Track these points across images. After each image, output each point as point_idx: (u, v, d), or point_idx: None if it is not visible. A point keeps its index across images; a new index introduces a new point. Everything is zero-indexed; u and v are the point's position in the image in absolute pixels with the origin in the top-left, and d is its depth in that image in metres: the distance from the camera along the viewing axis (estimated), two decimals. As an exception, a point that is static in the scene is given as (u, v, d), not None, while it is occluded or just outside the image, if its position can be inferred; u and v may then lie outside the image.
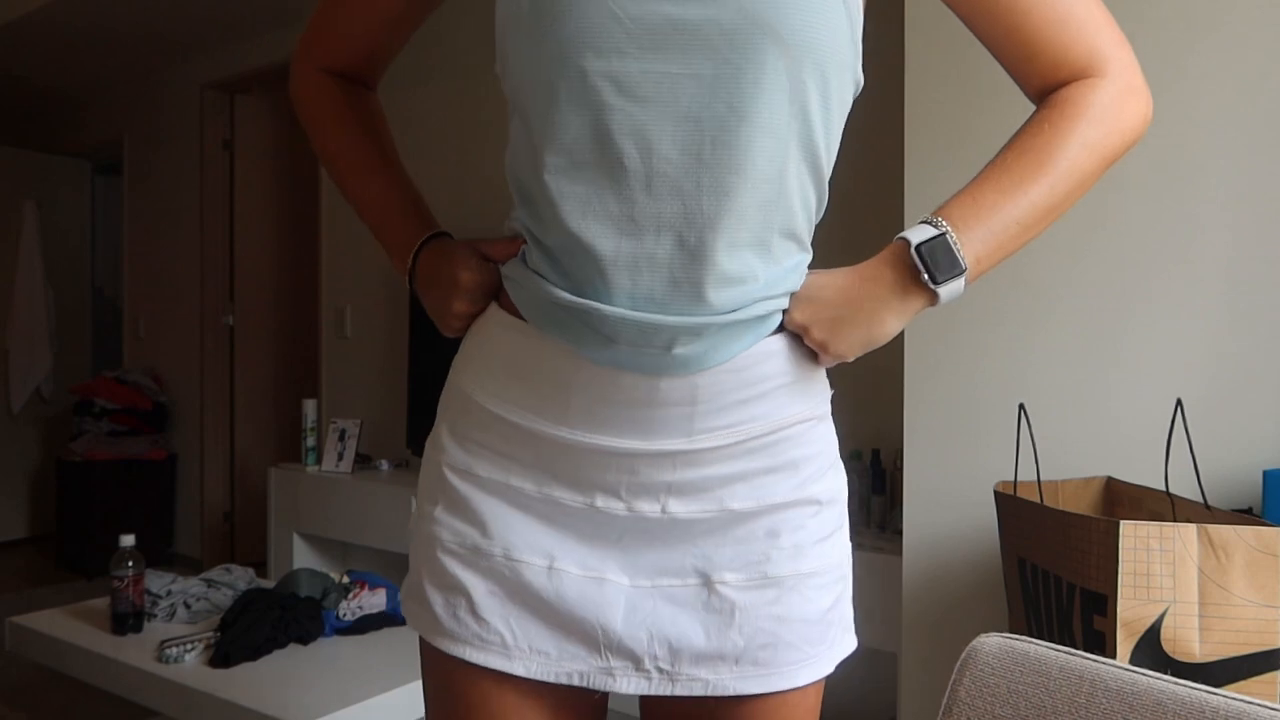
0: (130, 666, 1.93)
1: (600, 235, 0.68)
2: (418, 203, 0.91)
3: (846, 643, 0.83)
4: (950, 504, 1.76)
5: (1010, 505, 1.43)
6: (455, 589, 0.76)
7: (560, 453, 0.75)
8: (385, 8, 0.91)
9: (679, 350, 0.70)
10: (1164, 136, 1.56)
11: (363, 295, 3.78)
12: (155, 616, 2.18)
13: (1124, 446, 1.59)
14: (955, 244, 0.75)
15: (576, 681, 0.76)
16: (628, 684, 0.76)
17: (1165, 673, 0.70)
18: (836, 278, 0.76)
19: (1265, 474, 1.40)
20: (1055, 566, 1.26)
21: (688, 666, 0.75)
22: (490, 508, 0.76)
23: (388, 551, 3.07)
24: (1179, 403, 1.29)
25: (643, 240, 0.68)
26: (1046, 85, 0.79)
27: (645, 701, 0.83)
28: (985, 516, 1.70)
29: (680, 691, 0.75)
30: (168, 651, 1.92)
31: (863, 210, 2.43)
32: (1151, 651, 1.09)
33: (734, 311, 0.70)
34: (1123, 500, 1.47)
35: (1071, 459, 1.61)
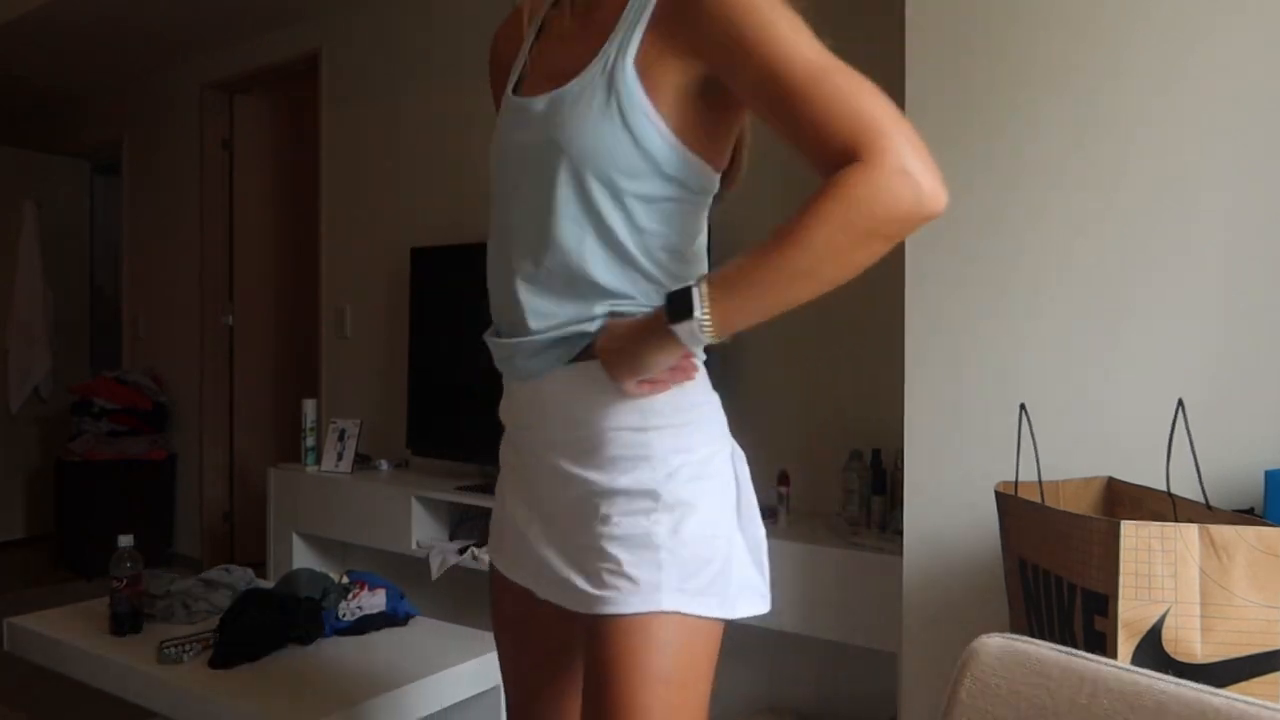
0: (129, 667, 1.93)
1: (491, 287, 1.10)
2: None
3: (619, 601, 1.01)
4: (951, 504, 1.76)
5: (1011, 505, 1.43)
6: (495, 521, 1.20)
7: (510, 426, 1.15)
8: None
9: (518, 362, 1.06)
10: (1163, 136, 1.55)
11: (363, 295, 3.78)
12: (154, 617, 2.17)
13: (1125, 447, 1.58)
14: (698, 295, 0.90)
15: (525, 583, 1.15)
16: (536, 587, 1.13)
17: (1166, 673, 0.70)
18: (632, 319, 0.99)
19: (1267, 474, 1.40)
20: (1056, 567, 1.25)
21: (541, 579, 1.12)
22: (503, 471, 1.18)
23: (387, 552, 3.07)
24: (1180, 403, 1.29)
25: (500, 289, 1.08)
26: (825, 169, 0.88)
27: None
28: (986, 516, 1.69)
29: (541, 594, 1.12)
30: (167, 652, 1.91)
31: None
32: (1153, 652, 1.09)
33: (544, 334, 1.02)
34: (1124, 500, 1.46)
35: (1072, 459, 1.60)
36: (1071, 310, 1.64)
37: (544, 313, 1.02)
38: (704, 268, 1.07)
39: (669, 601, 0.99)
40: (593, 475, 1.03)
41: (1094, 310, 1.61)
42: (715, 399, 1.09)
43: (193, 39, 4.19)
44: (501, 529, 1.17)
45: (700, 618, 1.00)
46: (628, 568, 0.99)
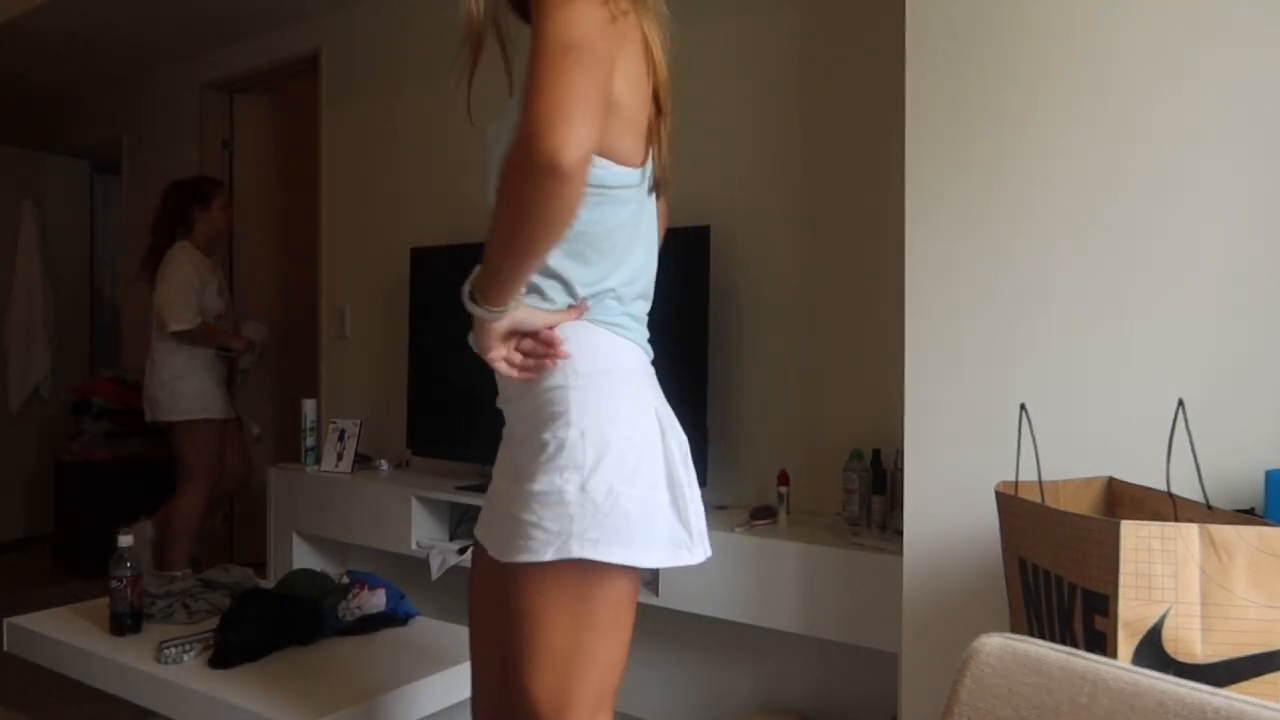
0: (129, 667, 1.93)
1: None
2: None
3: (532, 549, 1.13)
4: (951, 504, 1.76)
5: (1011, 505, 1.42)
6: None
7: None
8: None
9: None
10: (1164, 136, 1.55)
11: (363, 295, 3.78)
12: (154, 617, 2.17)
13: (1125, 447, 1.58)
14: (470, 279, 1.15)
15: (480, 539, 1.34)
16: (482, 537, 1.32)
17: (1167, 673, 0.70)
18: None
19: (1268, 474, 1.40)
20: (1056, 566, 1.25)
21: (484, 530, 1.33)
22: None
23: (388, 552, 3.07)
24: (1180, 403, 1.29)
25: None
26: None
27: None
28: (986, 516, 1.69)
29: (482, 541, 1.31)
30: (166, 652, 1.91)
31: (863, 210, 2.43)
32: (1153, 652, 1.09)
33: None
34: (1124, 500, 1.46)
35: (1072, 459, 1.60)
36: (1071, 310, 1.64)
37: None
38: (620, 258, 1.20)
39: (576, 549, 1.09)
40: (521, 432, 1.20)
41: (1094, 310, 1.61)
42: (638, 371, 1.21)
43: (193, 39, 4.19)
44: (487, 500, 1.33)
45: (607, 565, 1.11)
46: (544, 521, 1.11)
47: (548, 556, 1.10)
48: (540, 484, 1.12)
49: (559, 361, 1.15)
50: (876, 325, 2.38)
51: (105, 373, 4.63)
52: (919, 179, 1.79)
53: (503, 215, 1.03)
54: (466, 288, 1.14)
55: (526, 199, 0.99)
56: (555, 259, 1.16)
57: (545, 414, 1.16)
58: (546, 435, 1.14)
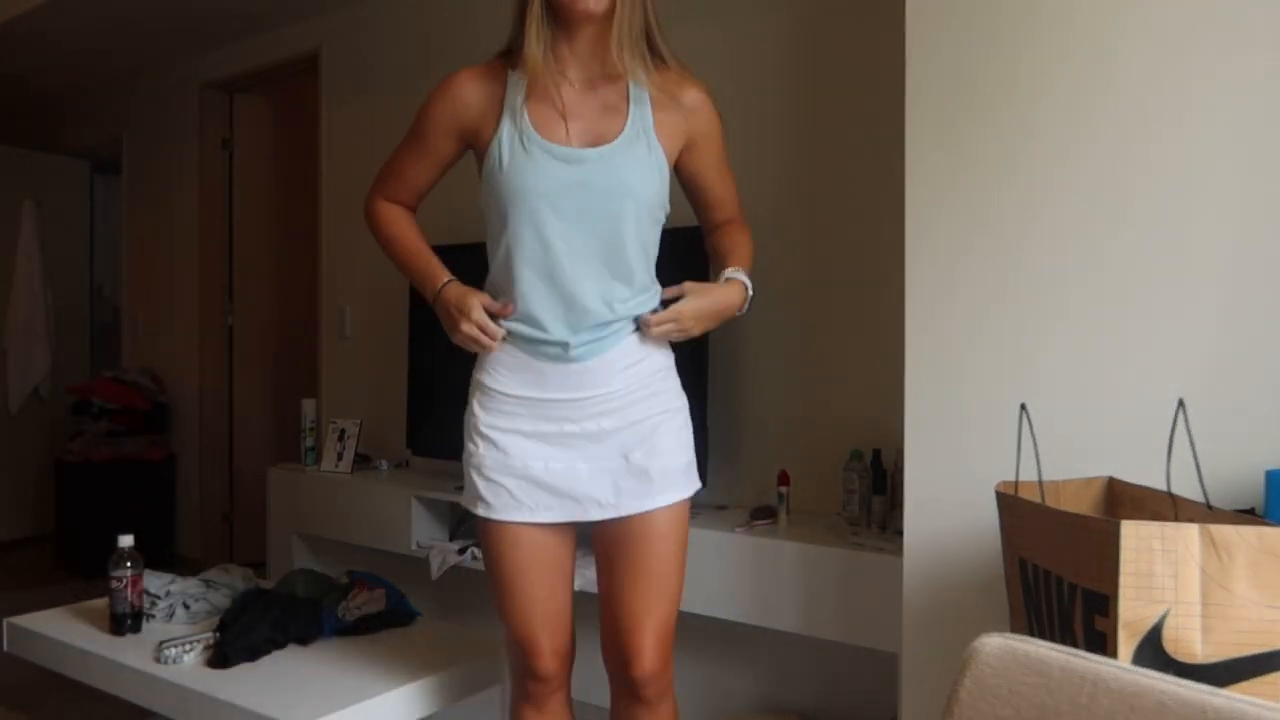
0: (129, 667, 1.93)
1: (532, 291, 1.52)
2: (442, 265, 1.59)
3: (684, 486, 1.57)
4: (951, 504, 1.76)
5: (1011, 505, 1.42)
6: (499, 486, 1.52)
7: (540, 405, 1.51)
8: (436, 166, 1.63)
9: (574, 350, 1.49)
10: (1164, 136, 1.55)
11: (363, 295, 3.78)
12: (154, 617, 2.17)
13: (1125, 447, 1.58)
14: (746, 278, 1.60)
15: (563, 519, 1.53)
16: (594, 514, 1.52)
17: (1167, 673, 0.70)
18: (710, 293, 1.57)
19: (1268, 474, 1.40)
20: (1056, 566, 1.25)
21: (622, 499, 1.51)
22: (509, 440, 1.52)
23: (387, 551, 3.07)
24: (1180, 403, 1.29)
25: (557, 291, 1.50)
26: (715, 224, 1.68)
27: (595, 527, 1.56)
28: (986, 517, 1.69)
29: (614, 515, 1.52)
30: (166, 652, 1.91)
31: (863, 210, 2.43)
32: (1153, 652, 1.09)
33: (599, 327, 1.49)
34: (1124, 501, 1.46)
35: (1072, 459, 1.60)
36: (1072, 310, 1.63)
37: (610, 305, 1.48)
38: None
39: (689, 488, 1.60)
40: (640, 409, 1.57)
41: (1094, 310, 1.61)
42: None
43: (193, 39, 4.19)
44: (530, 492, 1.53)
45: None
46: (688, 466, 1.60)
47: (697, 486, 1.59)
48: (684, 437, 1.56)
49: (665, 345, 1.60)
50: (876, 325, 2.38)
51: (105, 373, 4.63)
52: (919, 180, 1.79)
53: (749, 240, 1.67)
54: (746, 279, 1.58)
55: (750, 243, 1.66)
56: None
57: (667, 384, 1.57)
58: (678, 402, 1.57)
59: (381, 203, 1.68)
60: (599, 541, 1.58)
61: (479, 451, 1.53)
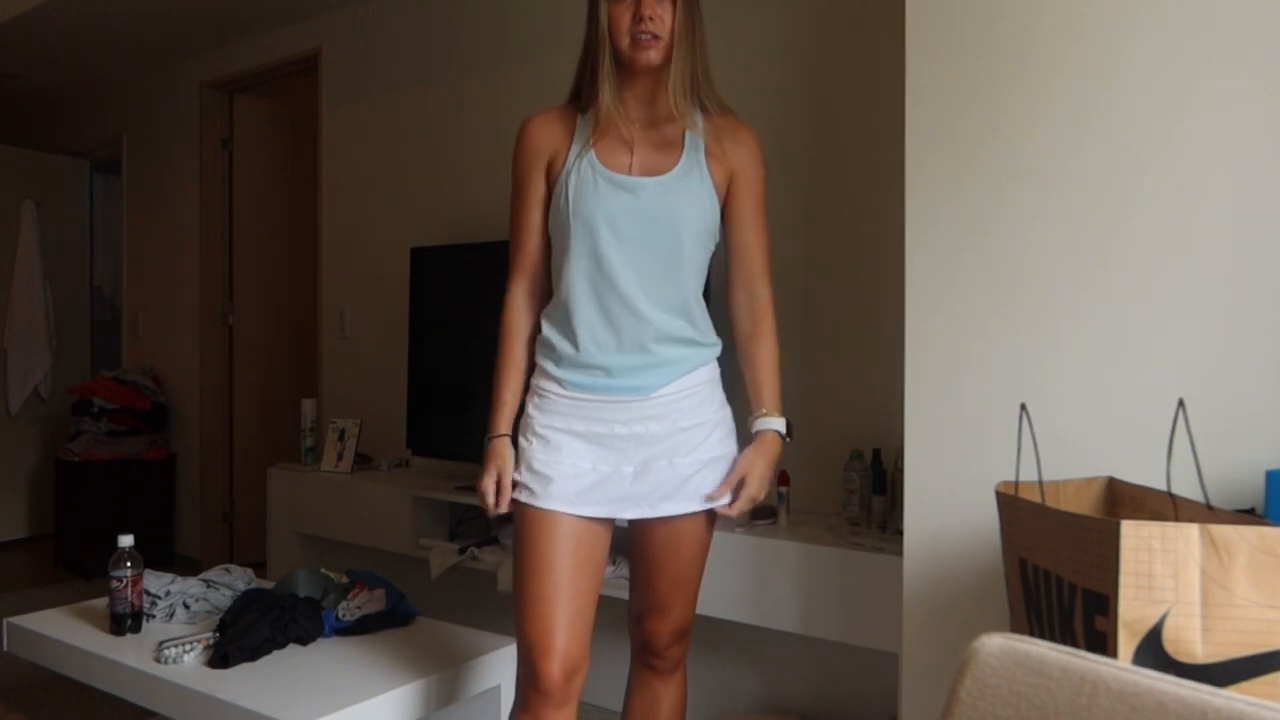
0: (129, 667, 1.93)
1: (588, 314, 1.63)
2: (510, 415, 1.68)
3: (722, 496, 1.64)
4: (951, 504, 1.76)
5: (1011, 505, 1.42)
6: (545, 478, 1.58)
7: (593, 406, 1.61)
8: (540, 204, 1.67)
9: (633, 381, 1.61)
10: (1164, 137, 1.55)
11: (363, 295, 3.78)
12: (154, 617, 2.17)
13: (1125, 447, 1.58)
14: (782, 422, 1.68)
15: (603, 514, 1.59)
16: (631, 513, 1.60)
17: (1167, 674, 0.69)
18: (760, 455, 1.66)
19: (1268, 474, 1.40)
20: (1056, 566, 1.25)
21: (659, 503, 1.60)
22: (562, 439, 1.61)
23: (388, 551, 3.07)
24: (1180, 403, 1.29)
25: (613, 316, 1.62)
26: (745, 278, 1.70)
27: (634, 525, 1.66)
28: (986, 517, 1.69)
29: (653, 514, 1.61)
30: (166, 652, 1.91)
31: (863, 210, 2.43)
32: (1153, 652, 1.09)
33: (665, 348, 1.63)
34: (1124, 500, 1.46)
35: (1072, 459, 1.60)
36: (1072, 310, 1.63)
37: (667, 330, 1.60)
38: None
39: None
40: (688, 420, 1.67)
41: (1094, 310, 1.61)
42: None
43: (193, 39, 4.19)
44: (586, 484, 1.60)
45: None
46: (713, 479, 1.69)
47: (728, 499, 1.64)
48: (727, 447, 1.66)
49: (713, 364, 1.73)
50: (877, 325, 2.38)
51: (105, 373, 4.63)
52: (919, 181, 1.79)
53: (776, 345, 1.72)
54: (781, 426, 1.66)
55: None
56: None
57: (713, 403, 1.68)
58: (717, 415, 1.67)
59: (517, 301, 1.70)
60: (635, 535, 1.68)
61: (531, 447, 1.62)
